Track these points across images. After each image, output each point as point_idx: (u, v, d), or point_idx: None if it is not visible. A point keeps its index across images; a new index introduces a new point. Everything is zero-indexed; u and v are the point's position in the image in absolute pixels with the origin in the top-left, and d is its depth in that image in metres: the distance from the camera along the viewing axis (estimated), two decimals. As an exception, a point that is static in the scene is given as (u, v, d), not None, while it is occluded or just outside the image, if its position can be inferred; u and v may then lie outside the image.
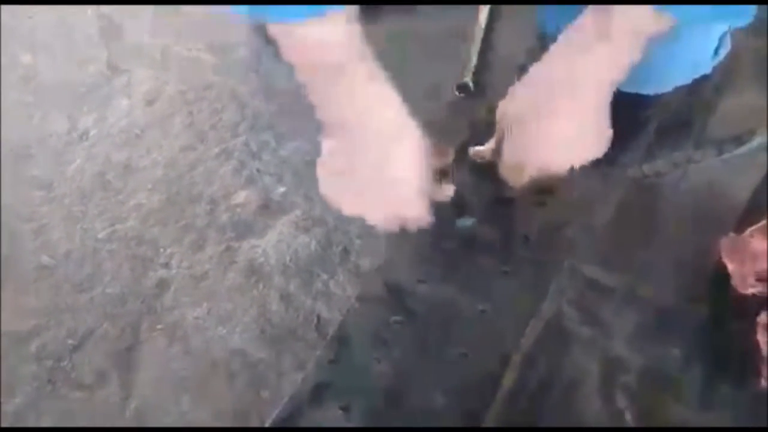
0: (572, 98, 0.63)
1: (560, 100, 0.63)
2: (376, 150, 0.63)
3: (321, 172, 0.68)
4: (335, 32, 0.56)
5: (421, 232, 0.70)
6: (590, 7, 0.60)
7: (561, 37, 0.63)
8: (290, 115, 0.91)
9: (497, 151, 0.71)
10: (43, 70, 1.05)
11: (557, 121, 0.64)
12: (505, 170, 0.72)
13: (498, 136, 0.71)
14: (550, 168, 0.69)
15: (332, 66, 0.58)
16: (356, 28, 0.58)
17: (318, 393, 0.69)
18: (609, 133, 0.68)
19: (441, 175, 0.70)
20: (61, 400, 0.74)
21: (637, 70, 0.73)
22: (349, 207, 0.69)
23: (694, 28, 0.70)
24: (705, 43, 0.74)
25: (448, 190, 0.72)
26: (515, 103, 0.67)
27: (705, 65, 0.75)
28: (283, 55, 0.59)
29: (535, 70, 0.65)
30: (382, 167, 0.64)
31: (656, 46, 0.68)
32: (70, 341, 0.77)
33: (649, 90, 0.77)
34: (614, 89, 0.64)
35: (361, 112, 0.61)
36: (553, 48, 0.63)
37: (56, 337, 0.78)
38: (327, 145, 0.66)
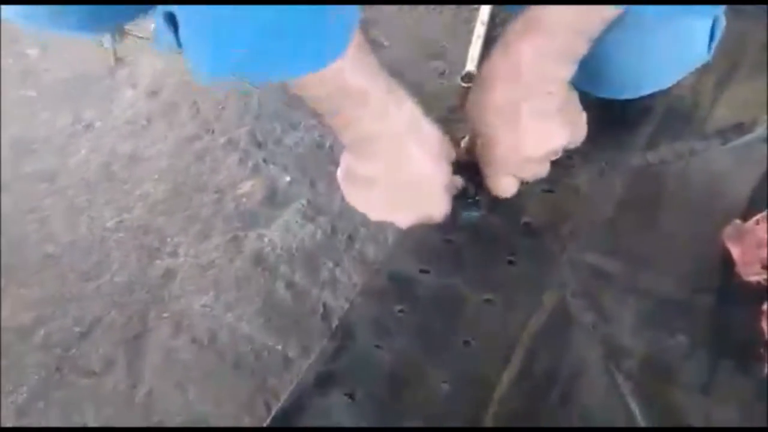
0: (526, 98, 0.62)
1: (517, 101, 0.62)
2: (396, 153, 0.63)
3: (344, 183, 0.68)
4: (348, 66, 0.54)
5: (428, 224, 0.71)
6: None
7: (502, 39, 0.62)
8: (295, 105, 0.91)
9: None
10: (47, 64, 1.05)
11: (525, 121, 0.64)
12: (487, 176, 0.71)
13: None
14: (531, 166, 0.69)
15: (354, 93, 0.57)
16: (368, 53, 0.57)
17: (323, 380, 0.69)
18: (582, 120, 0.68)
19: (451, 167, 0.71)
20: (69, 388, 0.74)
21: (636, 74, 0.74)
22: (377, 214, 0.69)
23: (676, 23, 0.69)
24: (697, 33, 0.72)
25: (456, 182, 0.72)
26: (480, 108, 0.66)
27: (703, 54, 0.73)
28: (294, 90, 0.58)
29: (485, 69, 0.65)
30: (405, 169, 0.64)
31: (647, 49, 0.68)
32: (77, 329, 0.78)
33: (651, 90, 0.77)
34: (569, 80, 0.63)
35: (383, 125, 0.60)
36: (497, 48, 0.63)
37: (63, 326, 0.78)
38: (346, 155, 0.66)
